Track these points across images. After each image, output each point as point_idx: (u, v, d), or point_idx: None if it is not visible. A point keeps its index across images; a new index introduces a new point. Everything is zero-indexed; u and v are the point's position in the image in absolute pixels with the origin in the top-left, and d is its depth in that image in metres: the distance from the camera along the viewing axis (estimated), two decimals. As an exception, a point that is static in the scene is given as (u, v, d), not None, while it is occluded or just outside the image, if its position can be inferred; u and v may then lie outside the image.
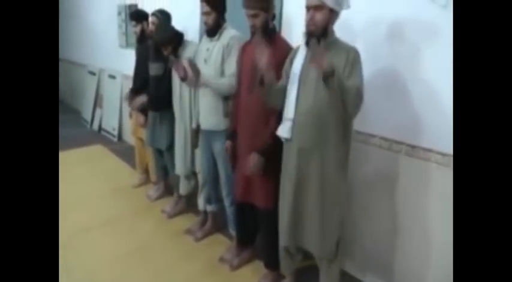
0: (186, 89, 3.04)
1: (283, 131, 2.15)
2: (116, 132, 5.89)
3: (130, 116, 4.14)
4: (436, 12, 2.09)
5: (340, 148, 2.09)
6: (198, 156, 3.16)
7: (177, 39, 3.08)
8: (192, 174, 3.34)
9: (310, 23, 2.02)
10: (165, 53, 3.06)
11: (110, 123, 6.07)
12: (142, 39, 3.71)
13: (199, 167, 3.16)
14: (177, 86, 3.13)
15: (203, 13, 2.67)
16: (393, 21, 2.31)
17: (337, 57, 1.95)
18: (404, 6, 2.23)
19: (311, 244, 2.22)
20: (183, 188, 3.42)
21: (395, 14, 2.29)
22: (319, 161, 2.08)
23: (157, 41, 3.09)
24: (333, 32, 2.06)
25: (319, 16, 1.99)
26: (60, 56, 8.48)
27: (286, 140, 2.16)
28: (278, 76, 2.17)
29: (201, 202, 3.20)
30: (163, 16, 3.42)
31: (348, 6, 2.05)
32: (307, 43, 2.07)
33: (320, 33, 1.99)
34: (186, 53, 3.05)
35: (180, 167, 3.32)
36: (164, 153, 3.60)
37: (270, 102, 2.21)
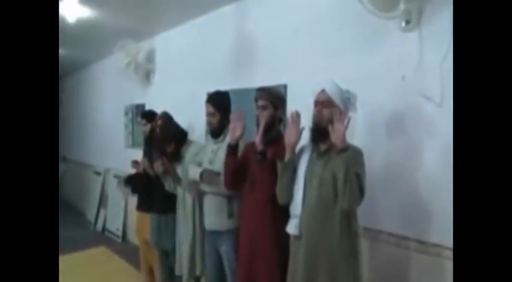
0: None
1: (291, 227, 2.14)
2: (120, 233, 5.81)
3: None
4: (432, 108, 2.17)
5: (347, 242, 2.03)
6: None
7: (181, 137, 3.15)
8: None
9: (317, 115, 2.06)
10: (168, 150, 3.12)
11: (114, 224, 6.01)
12: (150, 138, 3.80)
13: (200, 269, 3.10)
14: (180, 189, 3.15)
15: (208, 114, 2.73)
16: (392, 115, 2.38)
17: (340, 158, 1.93)
18: (402, 102, 2.31)
19: None
20: None
21: (394, 109, 2.36)
22: (327, 256, 2.02)
23: (162, 137, 3.18)
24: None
25: (326, 112, 2.04)
26: (67, 155, 8.62)
27: (295, 237, 2.14)
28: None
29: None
30: (167, 116, 3.54)
31: (355, 110, 2.12)
32: (313, 139, 2.12)
33: (325, 127, 1.99)
34: (189, 152, 3.11)
35: (186, 271, 3.18)
36: (170, 255, 3.53)
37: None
